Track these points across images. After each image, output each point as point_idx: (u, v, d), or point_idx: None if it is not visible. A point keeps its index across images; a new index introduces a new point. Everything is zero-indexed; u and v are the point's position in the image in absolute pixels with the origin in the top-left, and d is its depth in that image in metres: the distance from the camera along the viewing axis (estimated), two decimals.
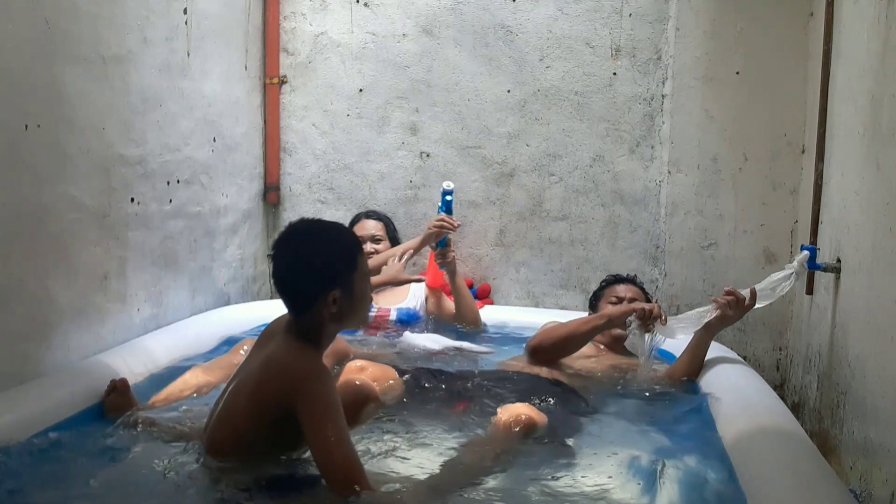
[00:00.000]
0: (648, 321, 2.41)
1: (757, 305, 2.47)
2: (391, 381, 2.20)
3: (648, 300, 2.82)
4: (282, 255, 1.69)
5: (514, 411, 2.00)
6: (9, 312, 2.01)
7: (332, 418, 1.56)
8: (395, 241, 3.35)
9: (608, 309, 2.60)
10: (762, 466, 1.69)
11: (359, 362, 2.26)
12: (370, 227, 3.31)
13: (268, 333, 1.79)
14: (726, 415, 2.06)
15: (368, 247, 3.20)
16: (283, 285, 1.69)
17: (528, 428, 1.96)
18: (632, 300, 2.71)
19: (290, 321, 1.71)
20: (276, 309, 1.81)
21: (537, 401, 2.15)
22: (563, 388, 2.32)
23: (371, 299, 1.82)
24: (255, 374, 1.66)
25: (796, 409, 2.85)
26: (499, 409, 2.02)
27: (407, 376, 2.29)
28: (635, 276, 2.97)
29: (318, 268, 1.66)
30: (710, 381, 2.35)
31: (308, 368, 1.62)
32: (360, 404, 1.93)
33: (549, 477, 1.79)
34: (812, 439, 2.04)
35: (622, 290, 2.80)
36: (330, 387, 1.62)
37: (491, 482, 1.74)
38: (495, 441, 1.93)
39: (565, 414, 2.16)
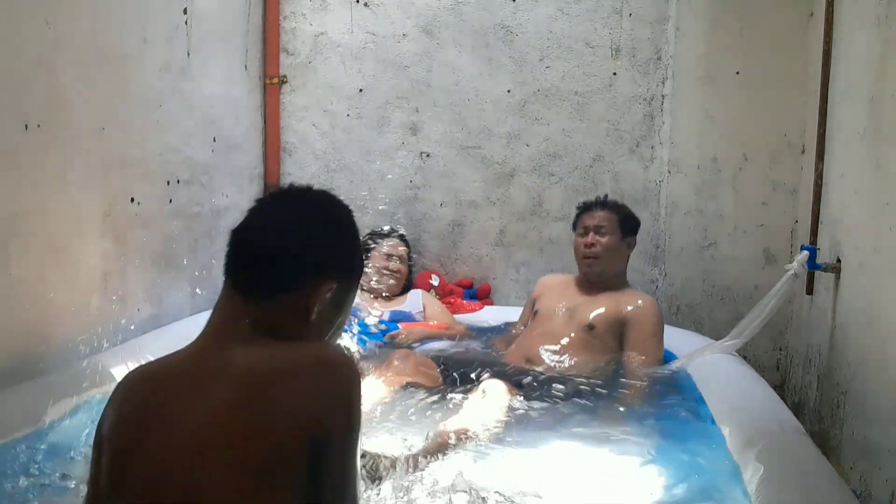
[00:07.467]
0: None
1: (757, 322, 2.47)
2: (432, 371, 2.41)
3: (631, 222, 2.74)
4: (287, 210, 1.23)
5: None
6: (9, 312, 2.01)
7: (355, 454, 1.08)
8: (409, 268, 3.35)
9: None
10: (763, 466, 1.69)
11: (404, 351, 2.50)
12: (400, 248, 3.30)
13: (204, 371, 1.10)
14: (725, 414, 2.05)
15: (394, 265, 3.23)
16: (273, 249, 1.16)
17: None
18: (597, 228, 2.67)
19: (242, 319, 1.13)
20: None
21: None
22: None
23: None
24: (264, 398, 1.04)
25: (796, 409, 2.85)
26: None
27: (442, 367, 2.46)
28: (606, 196, 2.84)
29: (332, 242, 1.21)
30: (710, 381, 2.35)
31: (351, 374, 1.08)
32: None
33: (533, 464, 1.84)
34: (812, 439, 2.04)
35: (586, 218, 2.73)
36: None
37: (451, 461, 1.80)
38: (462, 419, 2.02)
39: (549, 401, 2.24)
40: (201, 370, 1.10)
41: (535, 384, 2.31)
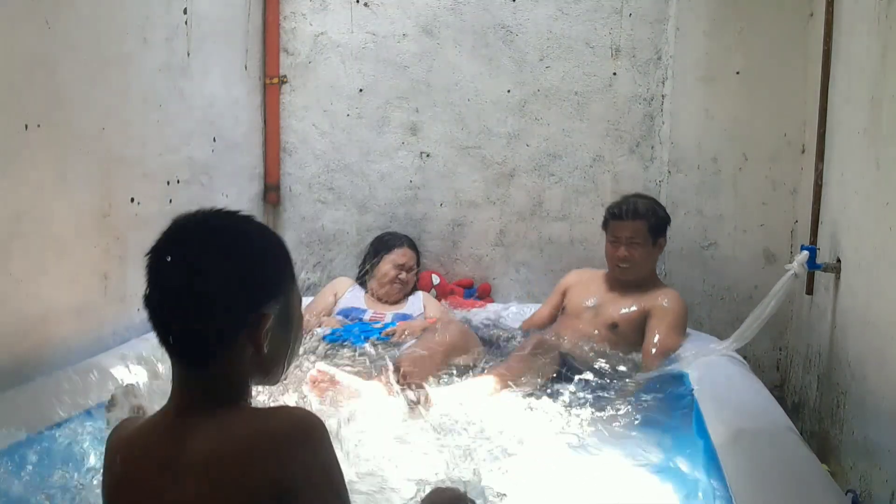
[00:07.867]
0: None
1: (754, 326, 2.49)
2: (475, 344, 2.61)
3: (662, 224, 2.80)
4: (187, 263, 1.10)
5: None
6: (8, 313, 2.01)
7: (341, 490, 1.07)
8: (416, 275, 3.37)
9: None
10: (752, 466, 1.68)
11: (446, 318, 2.70)
12: (411, 256, 3.30)
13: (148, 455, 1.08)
14: (718, 414, 2.04)
15: (404, 276, 3.23)
16: (191, 310, 1.07)
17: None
18: (629, 239, 2.75)
19: (193, 387, 1.10)
20: None
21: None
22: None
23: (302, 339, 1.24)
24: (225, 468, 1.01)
25: (796, 409, 2.85)
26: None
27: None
28: (636, 202, 2.82)
29: (255, 275, 1.10)
30: (705, 379, 2.35)
31: (299, 424, 1.05)
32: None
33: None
34: (812, 439, 2.04)
35: (617, 228, 2.79)
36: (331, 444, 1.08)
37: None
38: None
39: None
40: (172, 459, 1.05)
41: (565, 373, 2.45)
